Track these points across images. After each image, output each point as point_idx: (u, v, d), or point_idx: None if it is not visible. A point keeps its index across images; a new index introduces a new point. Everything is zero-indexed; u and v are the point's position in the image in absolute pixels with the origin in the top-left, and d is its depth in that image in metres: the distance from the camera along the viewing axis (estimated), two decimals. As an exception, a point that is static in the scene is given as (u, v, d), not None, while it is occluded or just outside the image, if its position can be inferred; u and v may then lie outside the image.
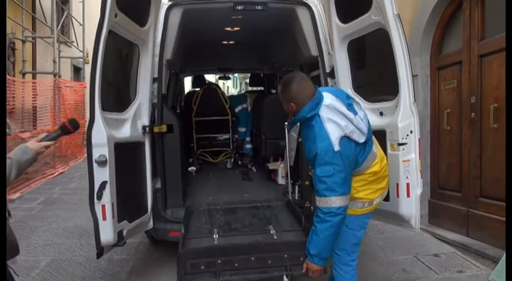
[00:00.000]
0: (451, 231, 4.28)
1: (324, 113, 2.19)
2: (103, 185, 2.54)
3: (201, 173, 5.34)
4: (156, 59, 3.45)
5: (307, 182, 3.49)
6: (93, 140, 2.56)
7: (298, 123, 2.52)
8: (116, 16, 2.68)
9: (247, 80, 21.48)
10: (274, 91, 6.50)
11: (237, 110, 6.19)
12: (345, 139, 2.16)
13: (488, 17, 3.94)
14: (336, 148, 2.11)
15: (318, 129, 2.16)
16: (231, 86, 25.91)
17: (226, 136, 6.03)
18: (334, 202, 2.10)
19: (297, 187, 3.68)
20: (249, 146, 6.18)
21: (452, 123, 4.37)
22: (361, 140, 2.23)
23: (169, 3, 3.60)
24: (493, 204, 3.86)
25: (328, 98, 2.27)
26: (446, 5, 4.37)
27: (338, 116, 2.19)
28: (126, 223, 2.82)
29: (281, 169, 4.55)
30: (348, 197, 2.17)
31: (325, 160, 2.10)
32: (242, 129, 6.20)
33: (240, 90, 22.83)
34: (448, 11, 4.40)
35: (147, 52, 3.26)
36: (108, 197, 2.56)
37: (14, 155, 1.82)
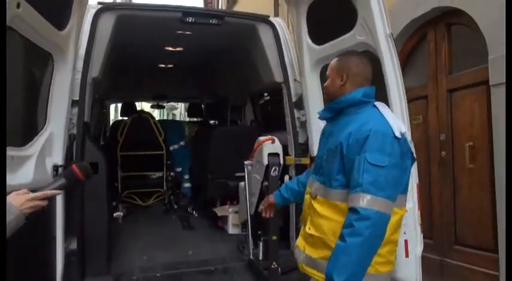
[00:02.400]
0: (425, 284, 3.81)
1: (380, 106, 1.77)
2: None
3: (129, 220, 4.36)
4: (78, 76, 2.61)
5: (274, 237, 2.78)
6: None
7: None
8: (18, 6, 1.82)
9: (174, 112, 20.25)
10: (214, 122, 5.82)
11: (172, 148, 5.32)
12: (402, 137, 1.67)
13: (456, 50, 3.73)
14: (397, 133, 1.62)
15: (372, 114, 1.72)
16: (157, 116, 24.55)
17: (160, 174, 5.16)
18: (378, 204, 1.54)
19: (261, 244, 2.94)
20: (187, 185, 5.33)
21: (419, 162, 3.99)
22: (414, 153, 1.76)
23: (99, 6, 2.80)
24: (471, 253, 3.47)
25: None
26: (409, 36, 4.13)
27: (394, 116, 1.79)
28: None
29: (232, 216, 3.79)
30: (393, 206, 1.60)
31: (380, 145, 1.60)
32: (177, 169, 5.34)
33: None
34: (410, 42, 4.16)
35: (66, 65, 2.41)
36: None
37: None
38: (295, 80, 3.18)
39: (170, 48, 4.13)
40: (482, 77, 3.31)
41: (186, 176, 5.35)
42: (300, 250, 1.90)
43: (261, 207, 2.26)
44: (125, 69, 4.34)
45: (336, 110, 1.83)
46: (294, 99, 3.16)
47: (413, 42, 4.14)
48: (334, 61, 1.87)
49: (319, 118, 2.01)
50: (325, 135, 1.93)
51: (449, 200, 3.68)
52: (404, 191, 1.75)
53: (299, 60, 3.05)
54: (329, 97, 1.88)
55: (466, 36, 3.59)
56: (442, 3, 3.66)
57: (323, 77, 2.85)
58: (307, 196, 1.92)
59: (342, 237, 1.56)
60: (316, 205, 1.80)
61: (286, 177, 3.11)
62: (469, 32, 3.53)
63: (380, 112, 1.72)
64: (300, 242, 1.91)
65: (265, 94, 4.39)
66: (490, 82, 3.18)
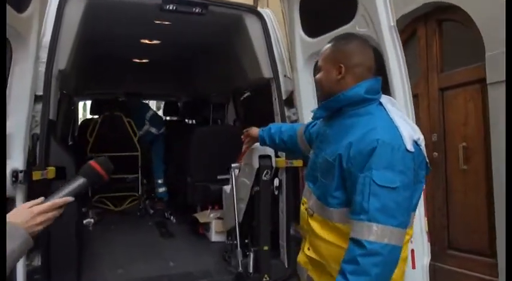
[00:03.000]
0: (417, 290, 3.67)
1: (388, 103, 1.48)
2: None
3: (101, 227, 4.02)
4: (42, 68, 2.28)
5: (266, 247, 2.54)
6: None
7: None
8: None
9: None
10: (192, 122, 5.51)
11: (148, 114, 5.08)
12: (416, 146, 1.39)
13: (448, 47, 3.60)
14: (409, 146, 1.34)
15: (380, 118, 1.41)
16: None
17: (134, 177, 4.83)
18: (389, 235, 1.25)
19: (251, 255, 2.68)
20: (162, 189, 5.01)
21: (409, 164, 3.89)
22: (428, 162, 1.49)
23: (67, -11, 2.47)
24: (465, 258, 3.35)
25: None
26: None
27: (406, 117, 1.50)
28: None
29: (215, 222, 3.52)
30: (405, 234, 1.33)
31: (389, 161, 1.31)
32: (154, 130, 5.05)
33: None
34: (399, 40, 4.01)
35: (27, 54, 2.09)
36: None
37: None
38: (285, 75, 2.95)
39: (147, 41, 3.82)
40: (477, 75, 3.19)
41: (160, 181, 5.02)
42: (302, 267, 1.67)
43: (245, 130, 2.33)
44: (96, 62, 3.99)
45: (333, 108, 1.52)
46: (284, 97, 2.93)
47: (402, 38, 3.95)
48: (327, 49, 1.55)
49: (313, 118, 1.71)
50: (318, 137, 1.64)
51: (442, 202, 3.56)
52: (415, 208, 1.48)
53: (290, 55, 2.82)
54: (324, 93, 1.57)
55: (459, 33, 3.47)
56: (434, -2, 3.53)
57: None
58: (303, 209, 1.65)
59: (343, 273, 1.27)
60: (313, 224, 1.53)
61: (276, 180, 2.88)
62: (461, 28, 3.41)
63: (388, 114, 1.42)
64: (301, 258, 1.66)
65: (245, 91, 4.15)
66: (487, 80, 3.06)
